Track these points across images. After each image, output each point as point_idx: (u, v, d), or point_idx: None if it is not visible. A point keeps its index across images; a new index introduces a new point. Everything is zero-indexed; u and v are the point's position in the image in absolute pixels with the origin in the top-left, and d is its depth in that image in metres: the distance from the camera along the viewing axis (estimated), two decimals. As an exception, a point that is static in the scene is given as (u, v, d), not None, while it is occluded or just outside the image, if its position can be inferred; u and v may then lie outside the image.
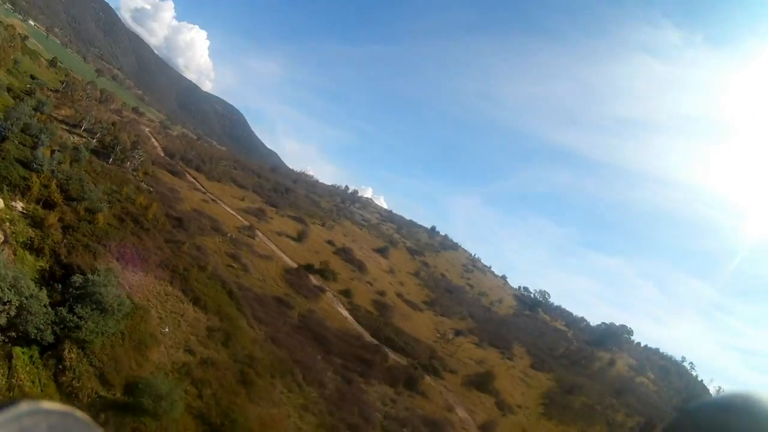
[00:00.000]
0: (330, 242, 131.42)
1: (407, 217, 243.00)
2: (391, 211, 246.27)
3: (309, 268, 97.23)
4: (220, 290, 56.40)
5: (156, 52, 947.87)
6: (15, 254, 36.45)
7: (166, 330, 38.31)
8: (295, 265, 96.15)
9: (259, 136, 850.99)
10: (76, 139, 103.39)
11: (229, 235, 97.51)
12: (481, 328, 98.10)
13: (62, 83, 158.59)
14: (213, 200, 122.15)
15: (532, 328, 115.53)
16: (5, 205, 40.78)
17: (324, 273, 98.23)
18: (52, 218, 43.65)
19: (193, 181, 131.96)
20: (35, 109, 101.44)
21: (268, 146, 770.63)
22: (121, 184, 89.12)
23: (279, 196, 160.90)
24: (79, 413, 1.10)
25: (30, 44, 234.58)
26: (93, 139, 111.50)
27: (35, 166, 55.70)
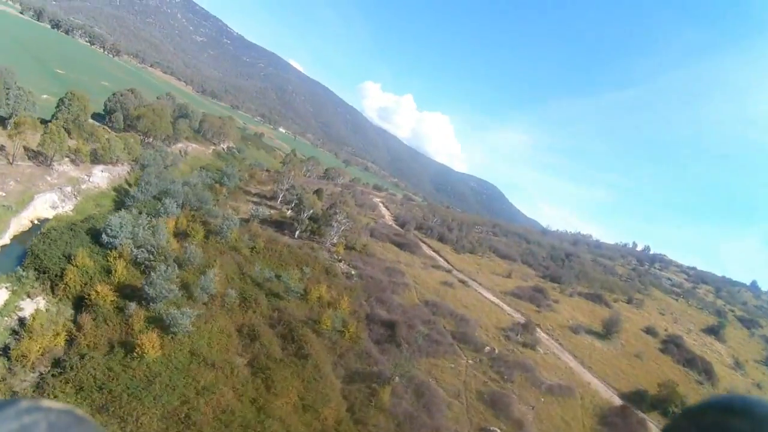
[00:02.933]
0: (649, 331, 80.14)
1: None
2: (695, 268, 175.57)
3: (639, 398, 50.10)
4: None
5: (405, 142, 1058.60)
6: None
7: None
8: (615, 400, 50.19)
9: (518, 207, 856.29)
10: (263, 209, 79.59)
11: (487, 349, 57.39)
12: None
13: (282, 164, 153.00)
14: (461, 282, 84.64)
15: None
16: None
17: (665, 405, 49.89)
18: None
19: (433, 254, 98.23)
20: (216, 181, 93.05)
21: (527, 215, 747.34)
22: (295, 265, 57.85)
23: (560, 265, 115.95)
24: (78, 411, 1.08)
25: (269, 142, 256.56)
26: (288, 209, 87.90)
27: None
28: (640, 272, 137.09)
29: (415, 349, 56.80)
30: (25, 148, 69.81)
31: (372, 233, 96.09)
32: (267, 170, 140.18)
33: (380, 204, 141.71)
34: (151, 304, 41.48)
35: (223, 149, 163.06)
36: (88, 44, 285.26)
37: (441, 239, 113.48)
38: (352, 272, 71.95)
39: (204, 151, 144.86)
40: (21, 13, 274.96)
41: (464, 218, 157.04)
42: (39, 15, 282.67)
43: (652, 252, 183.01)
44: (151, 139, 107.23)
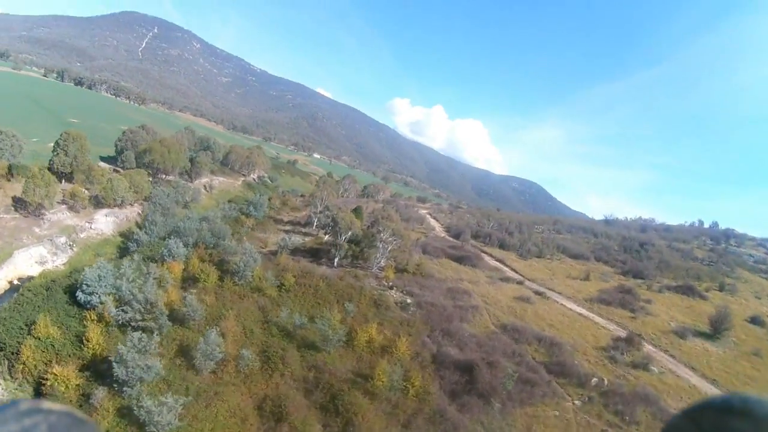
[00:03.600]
0: (755, 320, 65.48)
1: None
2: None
3: None
4: None
5: (442, 153, 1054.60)
6: None
7: None
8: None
9: (562, 201, 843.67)
10: (296, 237, 66.89)
11: (594, 381, 42.91)
12: None
13: (317, 185, 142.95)
14: (538, 294, 68.77)
15: None
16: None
17: None
18: None
19: (498, 265, 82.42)
20: (243, 213, 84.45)
21: (573, 209, 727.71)
22: (335, 301, 44.43)
23: (637, 257, 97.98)
24: (78, 413, 1.08)
25: (304, 168, 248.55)
26: (325, 234, 74.91)
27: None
28: (720, 252, 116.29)
29: (504, 399, 41.81)
30: (14, 198, 59.80)
31: (424, 249, 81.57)
32: (302, 195, 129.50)
33: (427, 215, 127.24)
34: (125, 388, 28.56)
35: (254, 179, 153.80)
36: (114, 97, 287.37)
37: (502, 246, 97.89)
38: (408, 301, 57.41)
39: (232, 183, 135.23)
40: (44, 75, 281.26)
41: (522, 219, 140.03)
42: (62, 76, 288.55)
43: (723, 228, 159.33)
44: (166, 176, 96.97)
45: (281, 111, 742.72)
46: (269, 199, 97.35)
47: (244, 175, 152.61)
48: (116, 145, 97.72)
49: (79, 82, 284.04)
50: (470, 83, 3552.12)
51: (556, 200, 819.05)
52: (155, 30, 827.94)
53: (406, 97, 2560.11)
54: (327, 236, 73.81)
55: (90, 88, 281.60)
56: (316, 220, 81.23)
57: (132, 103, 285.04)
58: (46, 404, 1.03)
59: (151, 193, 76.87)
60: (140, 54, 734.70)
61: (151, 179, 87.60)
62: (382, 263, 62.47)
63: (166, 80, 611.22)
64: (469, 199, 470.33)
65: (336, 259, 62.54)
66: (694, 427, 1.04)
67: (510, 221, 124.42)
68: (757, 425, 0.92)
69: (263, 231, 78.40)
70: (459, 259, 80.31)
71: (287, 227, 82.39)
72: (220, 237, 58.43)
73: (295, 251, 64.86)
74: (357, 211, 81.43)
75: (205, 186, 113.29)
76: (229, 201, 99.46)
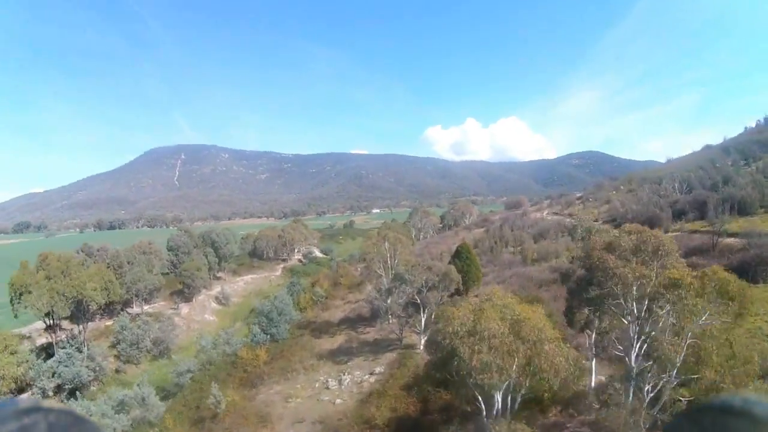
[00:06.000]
0: None
1: None
2: None
3: None
4: None
5: (492, 162, 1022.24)
6: None
7: None
8: None
9: (627, 158, 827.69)
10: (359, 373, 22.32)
11: None
12: None
13: (369, 240, 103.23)
14: None
15: None
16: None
17: None
18: None
19: None
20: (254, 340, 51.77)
21: (640, 160, 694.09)
22: None
23: None
24: (78, 411, 1.06)
25: (364, 226, 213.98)
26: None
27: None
28: None
29: None
30: None
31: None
32: (364, 259, 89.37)
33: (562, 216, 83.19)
34: None
35: (300, 260, 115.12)
36: (148, 227, 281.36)
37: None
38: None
39: (267, 277, 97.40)
40: (81, 231, 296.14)
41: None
42: (99, 226, 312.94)
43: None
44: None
45: (326, 184, 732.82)
46: (304, 291, 57.77)
47: (284, 260, 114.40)
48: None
49: (111, 227, 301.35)
50: (488, 83, 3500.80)
51: (620, 159, 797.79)
52: (182, 156, 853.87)
53: (436, 124, 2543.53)
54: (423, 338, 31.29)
55: (120, 228, 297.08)
56: (384, 300, 39.02)
57: (168, 227, 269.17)
58: (46, 402, 1.00)
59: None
60: (177, 182, 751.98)
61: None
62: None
63: (208, 197, 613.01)
64: (536, 191, 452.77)
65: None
66: (695, 427, 1.01)
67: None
68: (758, 426, 0.91)
69: (302, 346, 37.21)
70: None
71: (342, 330, 40.84)
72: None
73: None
74: (463, 255, 38.91)
75: (217, 297, 74.96)
76: (252, 310, 60.62)
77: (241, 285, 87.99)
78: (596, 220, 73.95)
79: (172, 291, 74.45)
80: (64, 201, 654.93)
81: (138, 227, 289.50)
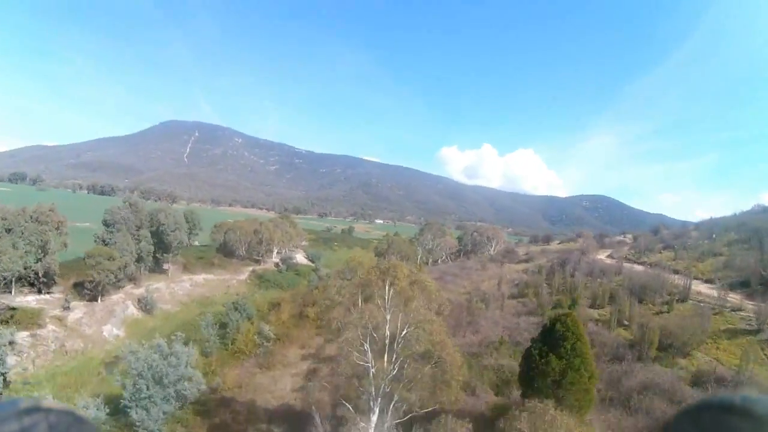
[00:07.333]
0: None
1: None
2: None
3: None
4: None
5: (502, 190, 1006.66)
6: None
7: None
8: None
9: (637, 208, 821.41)
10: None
11: None
12: None
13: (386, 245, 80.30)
14: None
15: None
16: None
17: None
18: None
19: None
20: None
21: (650, 212, 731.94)
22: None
23: None
24: (78, 412, 1.06)
25: (364, 236, 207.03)
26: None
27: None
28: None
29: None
30: None
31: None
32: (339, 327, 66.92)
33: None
34: None
35: (277, 264, 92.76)
36: (144, 200, 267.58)
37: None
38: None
39: (227, 281, 75.36)
40: (74, 192, 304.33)
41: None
42: (93, 190, 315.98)
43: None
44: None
45: (334, 186, 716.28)
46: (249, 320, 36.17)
47: (256, 261, 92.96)
48: None
49: (101, 192, 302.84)
50: (511, 112, 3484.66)
51: (631, 208, 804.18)
52: (196, 134, 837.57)
53: (453, 144, 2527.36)
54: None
55: (108, 194, 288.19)
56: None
57: (160, 202, 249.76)
58: (46, 403, 1.00)
59: None
60: (186, 159, 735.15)
61: None
62: None
63: (214, 179, 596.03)
64: (542, 228, 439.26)
65: None
66: (694, 426, 1.01)
67: None
68: (758, 425, 0.90)
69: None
70: None
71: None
72: None
73: None
74: (562, 337, 16.63)
75: (141, 300, 53.17)
76: (174, 334, 39.41)
77: (186, 286, 66.15)
78: (707, 280, 52.36)
79: (77, 282, 53.27)
80: (71, 159, 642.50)
81: (128, 196, 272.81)
